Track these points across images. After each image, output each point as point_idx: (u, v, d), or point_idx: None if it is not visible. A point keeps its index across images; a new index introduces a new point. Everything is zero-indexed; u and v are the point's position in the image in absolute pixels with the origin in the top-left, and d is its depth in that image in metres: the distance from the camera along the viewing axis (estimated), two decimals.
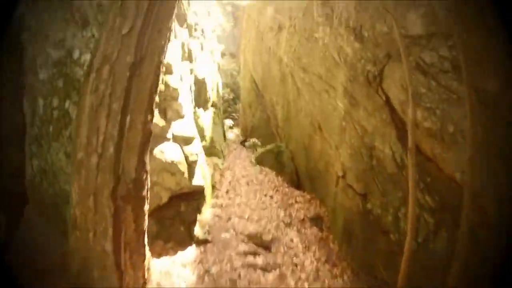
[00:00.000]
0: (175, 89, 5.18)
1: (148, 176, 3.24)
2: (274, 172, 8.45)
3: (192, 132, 5.77)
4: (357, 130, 5.17)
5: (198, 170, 5.65)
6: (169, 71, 5.09)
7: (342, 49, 5.75)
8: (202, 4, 9.38)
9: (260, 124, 11.53)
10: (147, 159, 3.18)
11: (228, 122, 16.42)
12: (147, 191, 3.25)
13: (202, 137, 7.42)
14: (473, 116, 2.81)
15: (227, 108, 17.41)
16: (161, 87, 4.86)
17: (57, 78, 4.62)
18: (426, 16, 4.05)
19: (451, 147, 3.71)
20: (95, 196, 2.86)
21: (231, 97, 18.05)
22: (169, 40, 3.18)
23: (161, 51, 3.08)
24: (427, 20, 4.05)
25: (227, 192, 7.21)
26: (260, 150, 10.00)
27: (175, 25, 5.86)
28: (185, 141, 5.36)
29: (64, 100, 4.53)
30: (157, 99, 4.76)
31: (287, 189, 7.66)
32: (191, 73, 7.19)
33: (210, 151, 7.91)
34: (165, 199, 4.99)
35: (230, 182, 7.70)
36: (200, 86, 7.90)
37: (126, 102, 2.88)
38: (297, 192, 7.56)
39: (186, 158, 5.25)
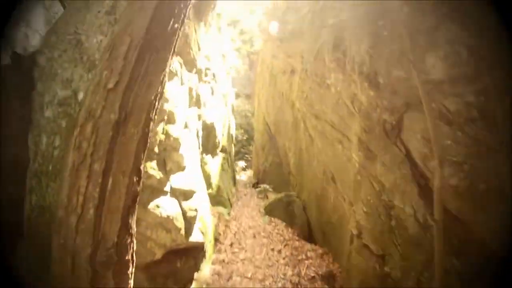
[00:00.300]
0: (176, 139, 4.92)
1: (134, 239, 2.96)
2: (284, 224, 7.97)
3: (193, 185, 5.45)
4: (374, 186, 4.73)
5: (197, 225, 5.29)
6: (171, 120, 4.87)
7: (356, 96, 5.43)
8: (215, 48, 9.45)
9: (272, 169, 11.24)
10: (133, 222, 2.91)
11: (241, 163, 16.33)
12: (132, 254, 2.96)
13: (209, 185, 7.11)
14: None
15: (240, 149, 17.39)
16: (161, 137, 4.67)
17: (62, 118, 4.65)
18: (447, 58, 3.74)
19: (482, 207, 3.38)
20: (73, 258, 2.63)
21: (244, 138, 18.11)
22: (161, 95, 2.97)
23: (150, 107, 2.85)
24: (448, 63, 3.74)
25: (231, 245, 6.75)
26: (271, 197, 9.62)
27: (182, 71, 5.76)
28: (184, 195, 5.01)
29: (66, 141, 4.51)
30: (156, 149, 4.65)
31: (297, 243, 7.13)
32: (199, 118, 7.00)
33: (216, 200, 7.57)
34: (158, 255, 4.61)
35: (235, 234, 7.24)
36: (208, 132, 7.71)
37: (108, 164, 2.64)
38: (308, 246, 7.03)
39: (184, 213, 4.87)
